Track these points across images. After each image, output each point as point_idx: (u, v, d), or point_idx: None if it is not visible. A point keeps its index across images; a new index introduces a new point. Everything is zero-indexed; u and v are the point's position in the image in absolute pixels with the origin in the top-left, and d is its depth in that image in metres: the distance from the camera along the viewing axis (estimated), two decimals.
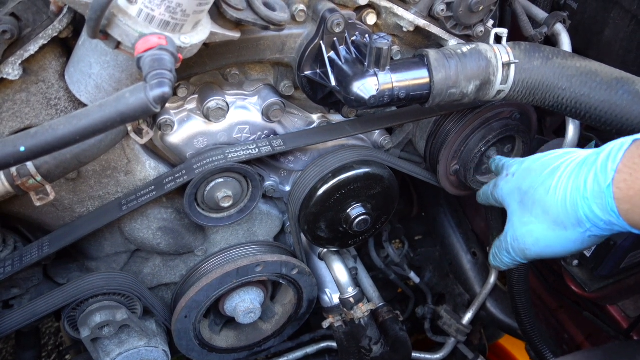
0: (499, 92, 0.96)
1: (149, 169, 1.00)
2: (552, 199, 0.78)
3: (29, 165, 0.79)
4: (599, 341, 1.40)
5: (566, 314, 1.48)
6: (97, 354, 1.10)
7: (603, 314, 1.33)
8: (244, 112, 1.03)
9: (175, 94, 0.96)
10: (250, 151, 1.00)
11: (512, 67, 0.94)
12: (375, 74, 0.88)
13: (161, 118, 0.96)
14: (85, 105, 0.80)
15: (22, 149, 0.64)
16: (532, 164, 0.86)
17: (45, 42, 0.75)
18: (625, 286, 1.28)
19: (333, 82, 0.92)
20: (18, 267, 0.94)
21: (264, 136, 1.06)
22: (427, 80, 0.91)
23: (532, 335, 1.36)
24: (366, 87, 0.88)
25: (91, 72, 0.75)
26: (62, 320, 1.05)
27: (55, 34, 0.75)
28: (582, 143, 1.15)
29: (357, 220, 1.12)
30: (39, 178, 0.79)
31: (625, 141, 0.71)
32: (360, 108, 0.92)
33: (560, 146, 1.15)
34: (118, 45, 0.69)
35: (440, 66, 0.91)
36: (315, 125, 1.11)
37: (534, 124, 1.22)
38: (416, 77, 0.91)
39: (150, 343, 1.13)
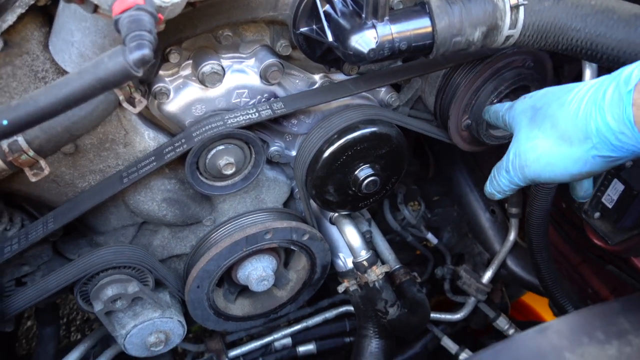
0: (508, 37, 0.90)
1: (148, 139, 0.97)
2: (564, 111, 0.73)
3: (20, 140, 0.77)
4: (624, 294, 1.35)
5: (589, 268, 1.44)
6: (113, 326, 1.11)
7: (627, 267, 1.29)
8: (241, 75, 0.99)
9: (167, 60, 0.93)
10: (250, 116, 0.97)
11: (521, 9, 0.87)
12: (374, 26, 0.83)
13: (156, 86, 0.93)
14: None
15: (5, 122, 0.62)
16: (552, 87, 0.81)
17: (24, 11, 0.72)
18: None
19: (330, 38, 0.88)
20: (24, 244, 0.94)
21: (263, 100, 1.03)
22: (430, 29, 0.86)
23: (553, 291, 1.32)
24: (364, 40, 0.83)
25: (73, 40, 0.73)
26: (75, 295, 1.06)
27: (33, 2, 0.72)
28: None
29: (365, 181, 1.09)
30: (31, 153, 0.78)
31: None
32: (360, 63, 0.87)
33: None
34: (96, 8, 0.66)
35: (442, 13, 0.85)
36: (317, 85, 1.07)
37: (550, 72, 1.16)
38: (417, 27, 0.85)
39: (165, 314, 1.14)
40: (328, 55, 0.96)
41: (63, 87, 0.62)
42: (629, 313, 0.54)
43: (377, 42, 0.84)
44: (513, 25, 0.88)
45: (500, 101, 1.09)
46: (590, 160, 0.71)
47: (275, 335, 1.57)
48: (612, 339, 0.51)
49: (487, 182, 0.91)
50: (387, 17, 0.84)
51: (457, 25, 0.86)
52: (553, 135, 0.74)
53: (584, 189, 0.92)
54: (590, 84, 0.72)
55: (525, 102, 0.85)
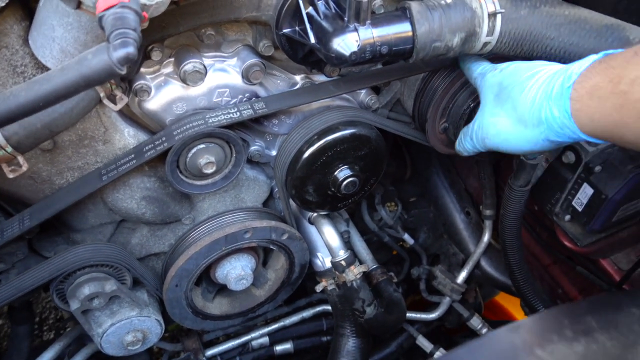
0: (486, 44, 0.92)
1: (128, 137, 0.97)
2: (524, 98, 0.83)
3: None
4: (592, 294, 1.40)
5: (559, 269, 1.48)
6: (89, 325, 1.10)
7: (596, 268, 1.33)
8: (223, 74, 1.00)
9: (149, 57, 0.93)
10: (231, 115, 0.97)
11: (498, 17, 0.90)
12: (356, 29, 0.85)
13: (137, 83, 0.93)
14: None
15: None
16: (521, 64, 0.89)
17: (3, 4, 0.71)
18: (618, 239, 1.27)
19: (312, 40, 0.89)
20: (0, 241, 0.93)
21: (245, 99, 1.03)
22: (410, 33, 0.87)
23: (525, 291, 1.36)
24: (346, 43, 0.85)
25: (54, 35, 0.72)
26: (50, 293, 1.04)
27: None
28: None
29: (344, 182, 1.10)
30: (9, 149, 0.77)
31: (598, 55, 0.75)
32: (342, 65, 0.89)
33: None
34: (79, 4, 0.66)
35: (423, 18, 0.87)
36: (298, 86, 1.08)
37: None
38: (398, 31, 0.87)
39: (143, 313, 1.13)
40: (310, 56, 0.97)
41: (45, 83, 0.62)
42: (595, 312, 0.57)
43: (358, 45, 0.85)
44: (490, 32, 0.91)
45: (476, 106, 1.12)
46: (540, 142, 0.82)
47: (253, 335, 1.57)
48: (579, 337, 0.54)
49: (457, 141, 1.02)
50: (369, 21, 0.85)
51: (437, 30, 0.88)
52: (512, 117, 0.85)
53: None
54: (547, 75, 0.81)
55: (495, 76, 0.92)
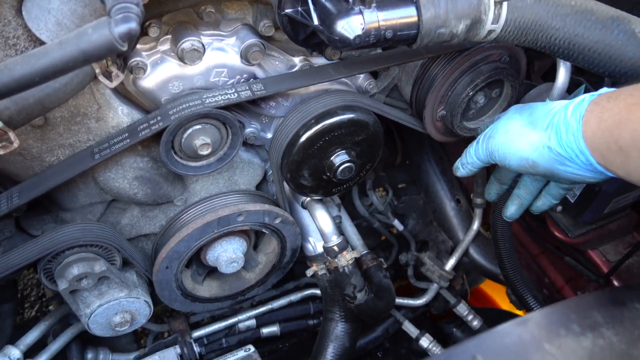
0: (490, 32, 0.91)
1: (122, 115, 0.94)
2: (544, 106, 0.87)
3: None
4: (578, 285, 1.42)
5: (547, 259, 1.50)
6: (77, 305, 1.08)
7: (584, 259, 1.35)
8: (221, 54, 0.97)
9: (146, 33, 0.89)
10: (228, 96, 0.95)
11: (504, 5, 0.88)
12: (361, 12, 0.83)
13: (132, 60, 0.90)
14: None
15: None
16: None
17: None
18: (607, 231, 1.29)
19: (315, 21, 0.86)
20: None
21: (243, 80, 1.01)
22: (415, 19, 0.86)
23: (514, 280, 1.37)
24: (351, 25, 0.83)
25: (50, 6, 0.69)
26: (38, 273, 1.02)
27: None
28: (571, 88, 1.12)
29: (341, 167, 1.09)
30: (0, 124, 0.74)
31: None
32: (345, 49, 0.87)
33: (548, 91, 1.12)
34: None
35: (429, 3, 0.85)
36: (297, 68, 1.06)
37: (523, 68, 1.18)
38: (404, 16, 0.85)
39: (131, 294, 1.11)
40: (311, 38, 0.95)
41: (42, 57, 0.59)
42: (602, 307, 0.58)
43: (363, 29, 0.83)
44: (496, 20, 0.90)
45: (475, 94, 1.12)
46: (540, 147, 0.82)
47: (240, 317, 1.57)
48: (586, 332, 0.54)
49: (461, 158, 1.01)
50: (374, 4, 0.83)
51: (443, 16, 0.86)
52: (526, 120, 0.87)
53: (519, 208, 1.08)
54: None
55: (510, 110, 0.95)
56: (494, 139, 0.91)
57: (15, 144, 0.77)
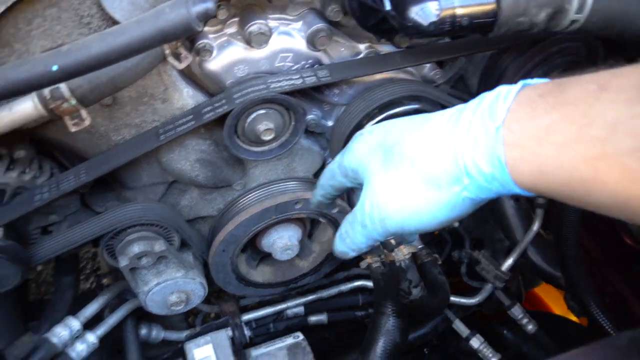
0: (573, 22, 0.85)
1: (187, 97, 0.94)
2: (425, 149, 0.61)
3: (63, 88, 0.74)
4: None
5: (613, 266, 1.42)
6: (135, 283, 1.11)
7: None
8: (287, 38, 0.95)
9: (215, 15, 0.89)
10: (293, 81, 0.94)
11: None
12: None
13: (199, 42, 0.90)
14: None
15: (55, 67, 0.60)
16: (396, 120, 0.69)
17: None
18: None
19: (388, 6, 0.83)
20: (55, 194, 0.92)
21: (307, 65, 0.99)
22: (494, 5, 0.81)
23: (577, 286, 1.30)
24: (425, 11, 0.79)
25: None
26: (100, 249, 1.05)
27: None
28: None
29: None
30: (73, 102, 0.75)
31: (512, 87, 0.57)
32: (417, 36, 0.84)
33: None
34: None
35: None
36: (362, 55, 1.03)
37: (599, 63, 1.11)
38: (482, 2, 0.81)
39: (188, 275, 1.13)
40: (381, 24, 0.91)
41: (119, 35, 0.59)
42: None
43: (438, 15, 0.79)
44: (580, 9, 0.84)
45: None
46: (460, 203, 0.60)
47: (289, 304, 1.56)
48: None
49: (337, 240, 0.74)
50: None
51: (523, 4, 0.81)
52: (416, 178, 0.62)
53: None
54: (449, 114, 0.62)
55: (367, 141, 0.69)
56: (392, 219, 0.65)
57: (87, 122, 0.78)
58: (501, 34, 0.85)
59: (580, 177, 0.50)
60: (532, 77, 1.04)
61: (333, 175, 0.76)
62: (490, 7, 0.81)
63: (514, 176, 0.55)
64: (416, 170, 0.62)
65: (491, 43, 1.00)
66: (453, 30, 0.82)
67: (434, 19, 0.79)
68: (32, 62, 0.59)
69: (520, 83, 0.58)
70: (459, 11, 0.80)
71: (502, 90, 0.58)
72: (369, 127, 0.72)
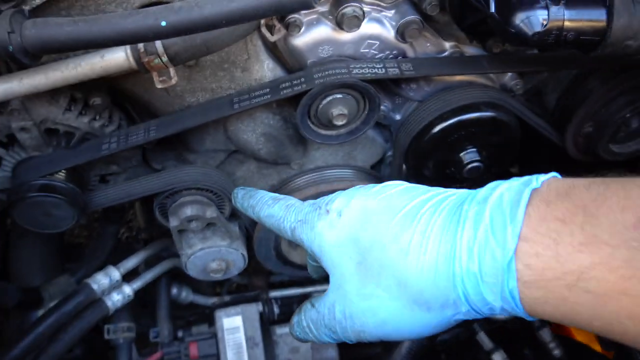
0: None
1: (267, 69, 0.93)
2: (414, 266, 0.52)
3: (158, 43, 0.73)
4: None
5: None
6: (181, 244, 1.11)
7: None
8: (377, 25, 0.93)
9: None
10: (376, 70, 0.91)
11: None
12: (547, 6, 0.76)
13: (290, 17, 0.88)
14: None
15: (164, 23, 0.59)
16: (370, 201, 0.59)
17: None
18: None
19: (492, 8, 0.80)
20: (123, 145, 0.92)
21: (392, 56, 0.97)
22: (604, 24, 0.78)
23: None
24: (532, 20, 0.76)
25: None
26: (154, 205, 1.05)
27: None
28: None
29: (469, 166, 1.03)
30: (165, 59, 0.74)
31: (513, 186, 0.49)
32: (518, 45, 0.81)
33: None
34: None
35: (624, 10, 0.77)
36: (446, 53, 1.00)
37: None
38: (592, 19, 0.77)
39: (232, 245, 1.13)
40: (479, 25, 0.89)
41: (236, 0, 0.57)
42: None
43: (545, 26, 0.76)
44: None
45: (632, 117, 1.02)
46: (451, 323, 0.54)
47: (318, 287, 1.56)
48: None
49: (295, 325, 0.65)
50: (563, 0, 0.76)
51: (636, 27, 0.78)
52: (402, 297, 0.53)
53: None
54: (442, 218, 0.52)
55: (335, 226, 0.59)
56: (369, 333, 0.57)
57: (174, 81, 0.78)
58: (604, 54, 0.81)
59: (624, 330, 0.43)
60: (616, 105, 1.01)
61: (277, 225, 0.66)
62: (601, 24, 0.78)
63: (529, 310, 0.48)
64: (402, 289, 0.53)
65: (586, 62, 0.96)
66: (557, 43, 0.79)
67: (539, 29, 0.76)
68: (142, 14, 0.58)
69: (527, 192, 0.48)
70: (568, 25, 0.77)
71: (506, 197, 0.48)
72: (336, 205, 0.61)
